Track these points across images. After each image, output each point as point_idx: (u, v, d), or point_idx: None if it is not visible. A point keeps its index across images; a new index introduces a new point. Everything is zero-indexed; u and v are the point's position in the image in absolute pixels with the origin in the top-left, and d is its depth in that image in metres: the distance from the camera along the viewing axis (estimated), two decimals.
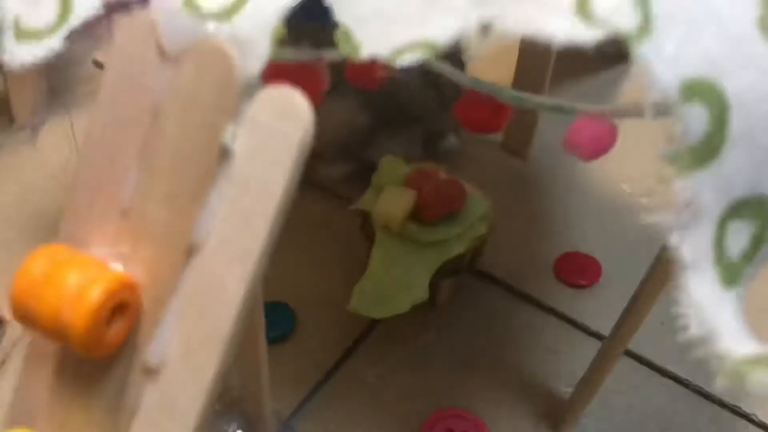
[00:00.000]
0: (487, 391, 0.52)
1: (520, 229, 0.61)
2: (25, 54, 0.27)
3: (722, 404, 0.52)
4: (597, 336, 0.54)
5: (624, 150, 0.36)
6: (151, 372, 0.28)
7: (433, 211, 0.50)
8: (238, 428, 0.48)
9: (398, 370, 0.53)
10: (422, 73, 0.27)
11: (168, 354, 0.28)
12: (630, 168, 0.62)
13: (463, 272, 0.54)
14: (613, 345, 0.49)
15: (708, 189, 0.24)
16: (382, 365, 0.53)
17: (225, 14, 0.27)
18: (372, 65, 0.26)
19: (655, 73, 0.22)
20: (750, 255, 0.25)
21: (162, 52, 0.27)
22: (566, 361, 0.54)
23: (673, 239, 0.24)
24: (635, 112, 0.25)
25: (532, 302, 0.57)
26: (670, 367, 0.53)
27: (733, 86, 0.23)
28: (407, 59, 0.24)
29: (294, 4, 0.26)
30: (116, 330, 0.27)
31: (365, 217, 0.53)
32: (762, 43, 0.24)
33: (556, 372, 0.53)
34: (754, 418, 0.51)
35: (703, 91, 0.23)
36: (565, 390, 0.51)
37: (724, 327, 0.24)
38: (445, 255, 0.50)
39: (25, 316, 0.27)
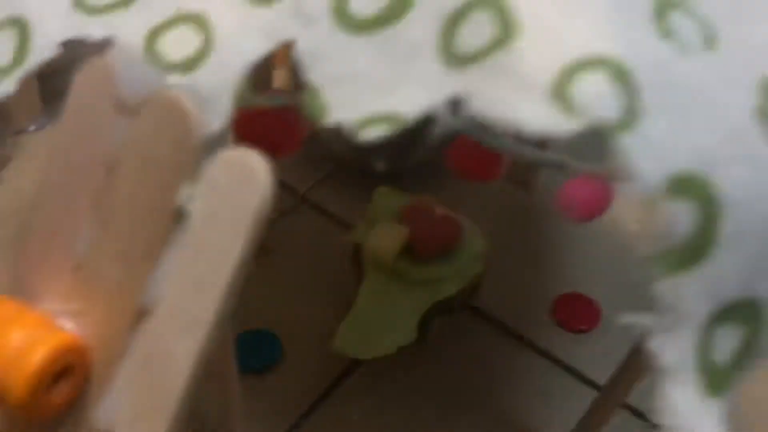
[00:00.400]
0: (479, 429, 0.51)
1: (519, 265, 0.59)
2: None
3: None
4: (593, 385, 0.52)
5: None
6: None
7: (426, 248, 0.49)
8: None
9: (384, 408, 0.51)
10: None
11: (115, 420, 0.26)
12: (640, 208, 0.60)
13: (456, 311, 0.52)
14: (608, 396, 0.47)
15: (694, 293, 0.22)
16: (368, 401, 0.51)
17: (187, 65, 0.25)
18: None
19: (638, 168, 0.20)
20: (740, 361, 0.23)
21: (119, 103, 0.25)
22: (559, 408, 0.52)
23: (654, 344, 0.22)
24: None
25: (526, 344, 0.55)
26: None
27: (725, 183, 0.21)
28: (372, 133, 0.22)
29: (259, 60, 0.25)
30: (61, 393, 0.26)
31: (357, 249, 0.51)
32: (760, 137, 0.22)
33: (548, 419, 0.51)
34: None
35: (691, 188, 0.21)
36: None
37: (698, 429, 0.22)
38: (436, 295, 0.48)
39: None
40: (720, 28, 0.24)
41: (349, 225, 0.57)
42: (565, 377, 0.53)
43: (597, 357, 0.54)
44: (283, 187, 0.63)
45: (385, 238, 0.48)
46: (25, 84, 0.67)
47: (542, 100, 0.20)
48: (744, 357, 0.23)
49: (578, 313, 0.55)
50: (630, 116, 0.20)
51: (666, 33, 0.22)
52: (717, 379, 0.23)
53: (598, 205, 0.32)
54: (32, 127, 0.64)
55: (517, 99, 0.20)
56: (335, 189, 0.64)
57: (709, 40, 0.23)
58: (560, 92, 0.20)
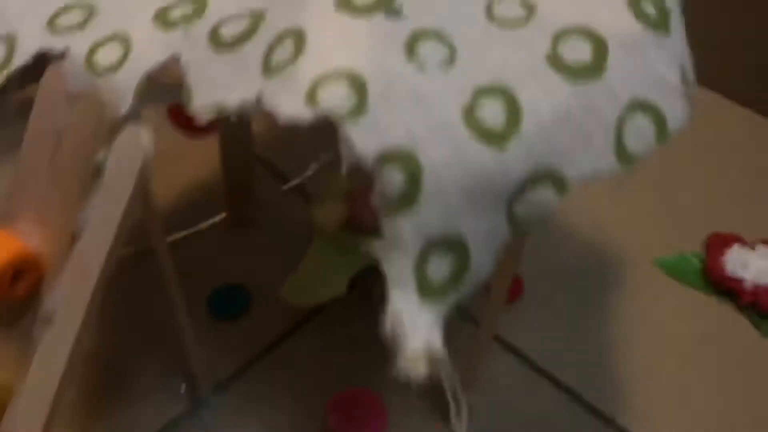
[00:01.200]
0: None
1: None
2: None
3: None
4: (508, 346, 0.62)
5: None
6: (46, 320, 0.39)
7: (361, 222, 0.59)
8: (184, 383, 0.59)
9: (327, 352, 0.62)
10: None
11: (56, 307, 0.39)
12: None
13: None
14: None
15: (406, 229, 0.32)
16: (316, 346, 0.63)
17: (112, 69, 0.37)
18: None
19: (353, 143, 0.31)
20: (454, 279, 0.33)
21: (67, 95, 0.38)
22: (467, 366, 0.61)
23: (383, 267, 0.32)
24: None
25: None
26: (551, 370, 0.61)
27: (428, 155, 0.31)
28: (207, 115, 0.33)
29: (159, 65, 0.36)
30: (21, 287, 0.39)
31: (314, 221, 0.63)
32: (460, 128, 0.32)
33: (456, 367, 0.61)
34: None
35: (400, 157, 0.31)
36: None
37: (412, 330, 0.32)
38: (365, 261, 0.59)
39: None
40: (462, 53, 0.34)
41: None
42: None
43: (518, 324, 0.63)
44: (276, 173, 0.75)
45: (327, 212, 0.60)
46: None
47: (299, 98, 0.31)
48: (456, 276, 0.33)
49: None
50: (356, 110, 0.31)
51: (410, 57, 0.33)
52: (431, 292, 0.33)
53: None
54: None
55: (286, 97, 0.31)
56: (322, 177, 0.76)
57: (448, 62, 0.33)
58: (312, 93, 0.31)
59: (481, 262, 0.33)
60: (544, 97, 0.33)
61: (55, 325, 0.39)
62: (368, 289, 0.63)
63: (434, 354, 0.32)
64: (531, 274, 0.66)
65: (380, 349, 0.63)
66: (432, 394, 0.59)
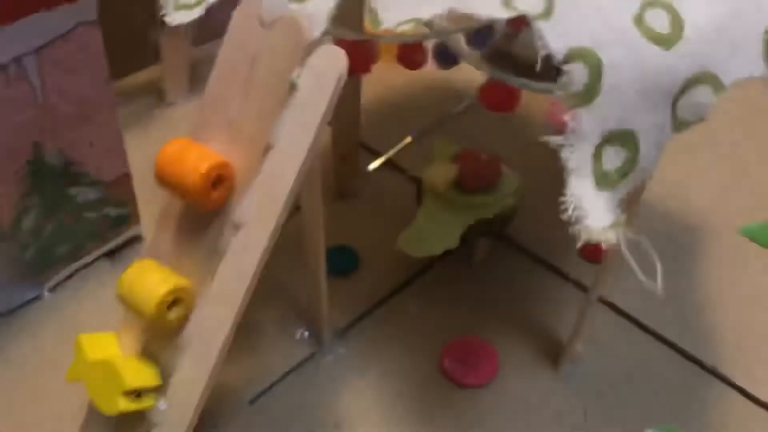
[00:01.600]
0: (504, 327, 0.65)
1: (551, 203, 0.73)
2: (179, 18, 0.43)
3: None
4: (605, 302, 0.66)
5: None
6: (236, 227, 0.44)
7: (470, 182, 0.64)
8: (305, 331, 0.63)
9: (435, 308, 0.66)
10: None
11: (248, 215, 0.43)
12: None
13: (494, 235, 0.67)
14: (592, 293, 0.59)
15: (587, 121, 0.36)
16: (422, 301, 0.66)
17: None
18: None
19: (547, 40, 0.35)
20: (624, 171, 0.37)
21: (261, 21, 0.43)
22: (570, 318, 0.65)
23: (563, 153, 0.37)
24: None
25: (552, 269, 0.69)
26: (652, 325, 0.64)
27: (607, 55, 0.36)
28: (403, 27, 0.38)
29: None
30: (218, 193, 0.43)
31: (419, 182, 0.67)
32: (634, 31, 0.36)
33: (561, 324, 0.65)
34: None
35: (584, 55, 0.36)
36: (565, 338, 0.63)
37: (592, 212, 0.36)
38: (476, 216, 0.63)
39: (162, 179, 0.43)
40: None
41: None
42: (580, 295, 0.67)
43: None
44: (371, 151, 0.80)
45: (438, 172, 0.64)
46: (176, 69, 0.85)
47: (495, 4, 0.36)
48: (626, 168, 0.37)
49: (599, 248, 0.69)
50: (546, 11, 0.36)
51: None
52: (605, 180, 0.37)
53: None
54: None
55: (482, 5, 0.36)
56: (414, 153, 0.80)
57: None
58: (508, 1, 0.36)
59: (648, 156, 0.38)
60: (701, 8, 0.37)
61: (247, 230, 0.43)
62: (471, 249, 0.67)
63: (618, 225, 0.36)
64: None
65: (485, 302, 0.67)
66: (540, 340, 0.63)
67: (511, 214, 0.67)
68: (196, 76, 0.85)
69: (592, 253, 0.69)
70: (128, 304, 0.44)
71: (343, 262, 0.69)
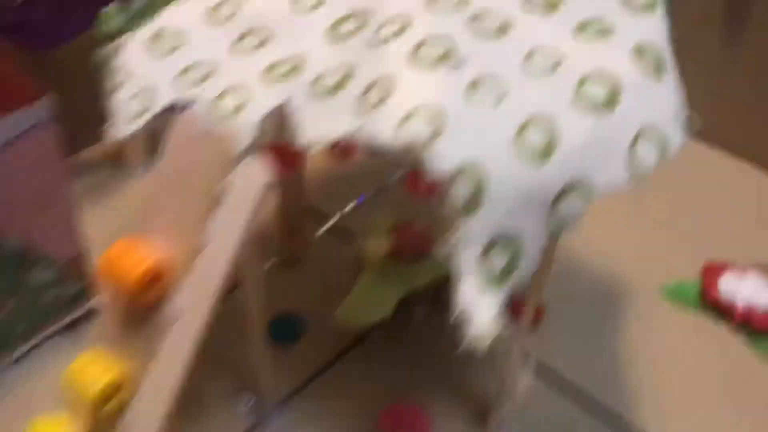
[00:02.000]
0: (438, 390, 0.69)
1: None
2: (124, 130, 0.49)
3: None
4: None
5: None
6: (173, 318, 0.48)
7: (404, 253, 0.69)
8: (251, 400, 0.68)
9: (375, 371, 0.70)
10: None
11: (184, 307, 0.48)
12: None
13: (429, 301, 0.72)
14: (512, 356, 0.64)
15: (474, 228, 0.42)
16: (364, 366, 0.71)
17: (234, 112, 0.47)
18: None
19: (434, 164, 0.41)
20: (508, 272, 0.43)
21: (196, 133, 0.48)
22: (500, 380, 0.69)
23: (453, 260, 0.42)
24: None
25: None
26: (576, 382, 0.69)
27: (489, 170, 0.41)
28: (317, 146, 0.44)
29: (271, 110, 0.46)
30: (154, 291, 0.48)
31: (360, 253, 0.72)
32: (513, 147, 0.42)
33: (492, 388, 0.69)
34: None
35: (468, 172, 0.41)
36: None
37: (477, 311, 0.42)
38: (409, 285, 0.68)
39: (105, 274, 0.48)
40: (512, 91, 0.44)
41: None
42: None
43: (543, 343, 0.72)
44: (320, 213, 0.85)
45: (374, 245, 0.69)
46: (134, 139, 0.90)
47: (392, 128, 0.41)
48: (510, 269, 0.43)
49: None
50: (433, 138, 0.41)
51: (473, 94, 0.43)
52: (492, 281, 0.42)
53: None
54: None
55: (379, 129, 0.41)
56: (362, 215, 0.85)
57: (501, 98, 0.44)
58: (401, 125, 0.41)
59: (530, 258, 0.43)
60: (575, 125, 0.43)
61: (182, 321, 0.48)
62: (407, 315, 0.72)
63: (495, 331, 0.41)
64: (550, 302, 0.76)
65: (421, 367, 0.72)
66: (470, 403, 0.68)
67: (444, 281, 0.72)
68: (155, 146, 0.90)
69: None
70: (70, 397, 0.49)
71: (289, 329, 0.73)
